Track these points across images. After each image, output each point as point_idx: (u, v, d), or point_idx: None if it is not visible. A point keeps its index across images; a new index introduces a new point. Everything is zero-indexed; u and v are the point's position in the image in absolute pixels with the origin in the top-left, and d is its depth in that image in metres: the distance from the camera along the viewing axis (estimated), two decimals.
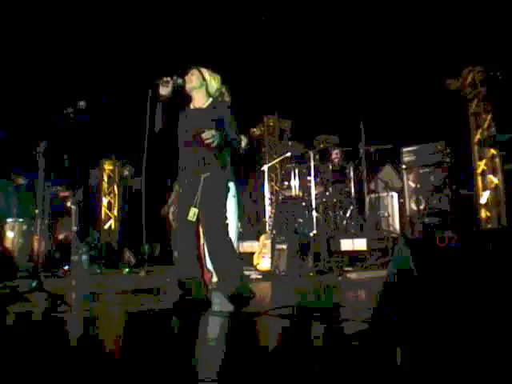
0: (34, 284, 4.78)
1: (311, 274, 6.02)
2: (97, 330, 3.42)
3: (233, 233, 5.04)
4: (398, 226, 7.37)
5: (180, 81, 3.89)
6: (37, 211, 6.15)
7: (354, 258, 6.49)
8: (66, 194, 7.58)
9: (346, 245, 6.59)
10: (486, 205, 7.19)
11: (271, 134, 10.18)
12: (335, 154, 7.86)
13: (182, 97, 4.00)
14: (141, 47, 8.07)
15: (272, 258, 6.36)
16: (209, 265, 4.72)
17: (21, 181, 7.70)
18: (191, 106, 3.97)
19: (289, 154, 7.57)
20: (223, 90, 3.97)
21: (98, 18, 7.53)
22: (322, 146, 7.44)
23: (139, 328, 3.38)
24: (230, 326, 3.33)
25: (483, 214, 7.18)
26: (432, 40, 7.55)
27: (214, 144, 3.57)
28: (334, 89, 7.94)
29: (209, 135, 3.56)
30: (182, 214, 3.78)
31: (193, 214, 3.64)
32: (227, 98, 4.01)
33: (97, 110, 6.14)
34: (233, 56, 8.08)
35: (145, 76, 8.10)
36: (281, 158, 7.63)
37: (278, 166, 8.22)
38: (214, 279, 4.89)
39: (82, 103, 4.72)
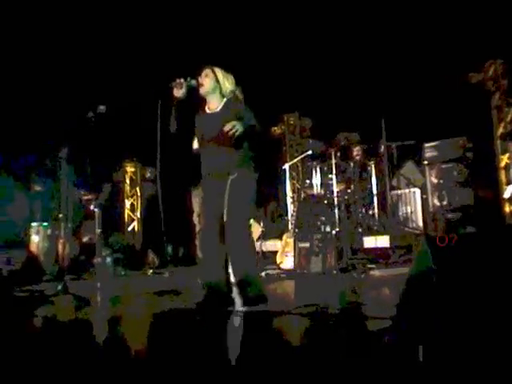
0: (59, 287, 4.87)
1: (334, 271, 5.99)
2: (123, 331, 3.46)
3: None
4: (420, 223, 7.31)
5: (193, 82, 3.89)
6: (60, 215, 6.26)
7: (377, 255, 6.44)
8: (90, 197, 7.64)
9: (369, 242, 6.56)
10: (509, 199, 7.09)
11: (292, 133, 10.13)
12: (356, 151, 7.83)
13: (196, 97, 4.02)
14: (158, 46, 8.12)
15: (295, 256, 6.36)
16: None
17: (38, 188, 7.80)
18: (206, 109, 3.97)
19: (310, 153, 7.56)
20: (237, 91, 3.95)
21: (115, 23, 7.60)
22: (342, 143, 7.40)
23: (166, 329, 3.41)
24: (255, 324, 3.35)
25: (507, 208, 7.08)
26: (453, 34, 7.47)
27: (240, 130, 3.53)
28: (354, 86, 7.89)
29: (230, 125, 3.54)
30: (208, 218, 3.82)
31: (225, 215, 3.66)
32: (240, 97, 3.97)
33: (116, 112, 6.21)
34: (252, 55, 8.10)
35: (164, 76, 8.23)
36: (302, 156, 7.61)
37: (299, 164, 8.21)
38: (233, 279, 5.04)
39: (102, 107, 4.78)
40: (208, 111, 3.96)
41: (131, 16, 7.64)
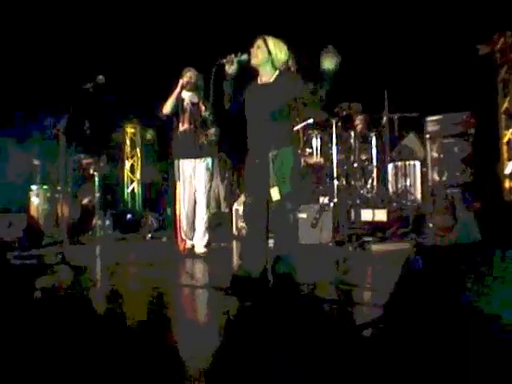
0: (58, 257, 4.91)
1: (330, 244, 6.04)
2: (117, 310, 3.50)
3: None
4: (419, 196, 7.31)
5: (245, 57, 3.82)
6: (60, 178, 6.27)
7: (374, 228, 6.47)
8: (90, 161, 7.64)
9: (366, 215, 6.56)
10: (510, 175, 7.06)
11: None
12: (359, 120, 7.74)
13: (249, 70, 3.95)
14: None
15: None
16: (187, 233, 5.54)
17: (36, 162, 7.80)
18: (258, 81, 3.90)
19: (311, 121, 7.48)
20: (290, 61, 3.84)
21: None
22: (344, 113, 7.32)
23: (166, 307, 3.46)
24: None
25: (507, 184, 7.06)
26: (461, 3, 7.31)
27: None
28: (357, 56, 7.76)
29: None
30: (253, 192, 3.82)
31: (276, 193, 3.64)
32: (293, 68, 3.86)
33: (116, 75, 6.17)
34: (258, 19, 7.97)
35: (166, 37, 8.15)
36: (303, 124, 7.54)
37: (299, 132, 8.15)
38: (188, 246, 5.63)
39: (100, 77, 4.74)
40: (259, 83, 3.89)
41: None
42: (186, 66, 5.66)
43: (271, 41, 3.79)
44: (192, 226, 5.60)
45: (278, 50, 3.78)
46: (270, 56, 3.76)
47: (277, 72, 3.79)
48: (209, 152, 5.61)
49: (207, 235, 5.57)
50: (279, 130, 3.69)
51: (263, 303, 3.38)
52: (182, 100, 5.61)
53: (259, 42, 3.80)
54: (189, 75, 5.56)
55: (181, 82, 5.47)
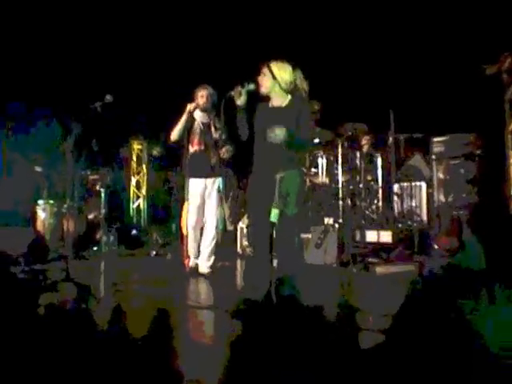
0: (62, 273, 4.91)
1: (334, 265, 6.03)
2: (121, 328, 3.50)
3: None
4: (425, 217, 7.30)
5: (252, 86, 3.90)
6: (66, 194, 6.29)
7: (379, 249, 6.45)
8: (96, 177, 7.68)
9: (371, 236, 6.55)
10: None
11: None
12: (365, 141, 7.78)
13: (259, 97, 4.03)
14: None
15: None
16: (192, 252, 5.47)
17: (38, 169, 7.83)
18: (269, 104, 3.95)
19: (317, 141, 7.52)
20: (297, 80, 3.88)
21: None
22: (350, 133, 7.34)
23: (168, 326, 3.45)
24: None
25: None
26: (467, 24, 7.35)
27: (276, 141, 3.65)
28: (363, 76, 7.82)
29: (271, 132, 3.67)
30: (258, 214, 3.85)
31: (274, 214, 3.66)
32: (302, 90, 3.90)
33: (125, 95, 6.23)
34: (264, 37, 8.04)
35: (174, 54, 8.23)
36: None
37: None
38: (192, 264, 5.59)
39: (108, 97, 4.77)
40: (270, 106, 3.94)
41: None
42: (200, 84, 5.62)
43: (275, 66, 3.84)
44: (198, 245, 5.60)
45: (282, 73, 3.82)
46: (275, 81, 3.81)
47: (289, 97, 3.85)
48: (220, 172, 5.62)
49: (213, 257, 5.56)
50: (287, 153, 3.72)
51: (266, 325, 3.37)
52: (193, 120, 5.60)
53: (264, 69, 3.86)
54: (201, 94, 5.53)
55: (188, 107, 5.47)
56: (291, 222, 3.70)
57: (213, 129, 5.56)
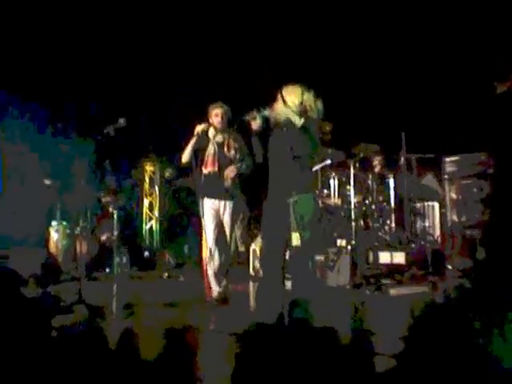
0: (75, 295, 4.93)
1: (347, 287, 5.99)
2: (133, 352, 3.49)
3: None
4: (438, 237, 7.25)
5: (267, 112, 3.96)
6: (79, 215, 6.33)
7: (393, 270, 6.40)
8: (109, 199, 7.72)
9: (384, 257, 6.52)
10: None
11: None
12: (377, 161, 7.79)
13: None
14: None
15: None
16: (212, 280, 5.19)
17: (47, 182, 7.87)
18: (284, 128, 3.98)
19: (329, 162, 7.51)
20: (307, 102, 3.93)
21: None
22: (362, 154, 7.34)
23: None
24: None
25: None
26: (478, 42, 7.37)
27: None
28: (375, 96, 7.85)
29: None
30: (271, 237, 3.88)
31: (296, 238, 3.68)
32: (313, 110, 3.95)
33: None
34: (277, 55, 8.10)
35: (189, 76, 8.31)
36: (321, 165, 7.56)
37: (318, 172, 8.17)
38: (215, 294, 5.24)
39: (122, 121, 4.81)
40: (285, 130, 3.98)
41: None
42: (213, 103, 5.42)
43: (285, 90, 3.94)
44: (219, 273, 5.28)
45: (291, 95, 3.90)
46: (286, 106, 3.86)
47: (302, 120, 3.88)
48: (234, 194, 5.37)
49: (225, 281, 5.32)
50: (301, 176, 3.76)
51: (278, 348, 3.35)
52: (207, 140, 5.40)
53: (278, 96, 3.95)
54: (215, 113, 5.34)
55: (197, 129, 5.25)
56: (305, 246, 3.72)
57: (226, 148, 5.35)
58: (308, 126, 3.86)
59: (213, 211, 5.34)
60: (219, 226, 5.33)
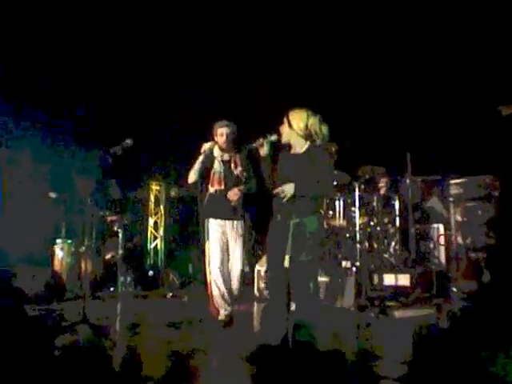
0: (79, 314, 4.92)
1: (352, 308, 5.97)
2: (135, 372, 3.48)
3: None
4: (443, 260, 7.23)
5: (274, 137, 4.02)
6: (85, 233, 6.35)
7: (397, 293, 6.38)
8: (114, 218, 7.75)
9: (389, 279, 6.51)
10: None
11: None
12: (382, 183, 7.80)
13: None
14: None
15: None
16: (220, 302, 5.01)
17: (52, 195, 7.89)
18: (291, 150, 4.06)
19: (334, 183, 7.54)
20: (313, 126, 3.94)
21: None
22: (367, 176, 7.37)
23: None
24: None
25: None
26: (483, 65, 7.42)
27: (288, 196, 3.76)
28: (380, 119, 7.90)
29: (279, 191, 3.77)
30: (275, 259, 3.89)
31: (286, 260, 3.72)
32: (318, 135, 3.96)
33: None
34: (280, 76, 8.17)
35: (192, 95, 8.38)
36: None
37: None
38: (221, 317, 5.05)
39: (128, 141, 4.85)
40: (291, 152, 4.05)
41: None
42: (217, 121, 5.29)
43: (291, 114, 3.98)
44: (227, 293, 5.07)
45: (297, 120, 3.95)
46: (291, 129, 3.91)
47: (307, 143, 3.94)
48: (242, 214, 5.22)
49: (231, 304, 5.14)
50: (306, 199, 3.77)
51: (283, 372, 3.35)
52: (213, 158, 5.24)
53: (284, 119, 4.00)
54: (221, 132, 5.21)
55: (203, 148, 5.14)
56: (307, 267, 3.74)
57: (233, 166, 5.21)
58: (312, 151, 3.90)
59: (219, 233, 5.14)
60: (226, 247, 5.14)
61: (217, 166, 5.24)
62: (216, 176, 5.20)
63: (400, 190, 7.69)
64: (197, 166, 5.17)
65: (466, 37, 7.37)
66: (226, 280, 5.07)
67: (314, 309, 3.79)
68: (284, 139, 4.00)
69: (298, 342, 3.68)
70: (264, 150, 3.97)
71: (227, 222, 5.16)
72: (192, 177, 5.21)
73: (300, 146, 3.96)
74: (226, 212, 5.13)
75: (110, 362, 3.71)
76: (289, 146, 4.03)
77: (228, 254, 5.16)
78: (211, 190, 5.21)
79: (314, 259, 3.79)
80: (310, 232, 3.75)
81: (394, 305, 6.08)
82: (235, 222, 5.17)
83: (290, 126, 3.93)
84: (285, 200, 3.76)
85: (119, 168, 6.64)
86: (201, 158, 5.16)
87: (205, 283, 5.25)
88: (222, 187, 5.16)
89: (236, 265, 5.16)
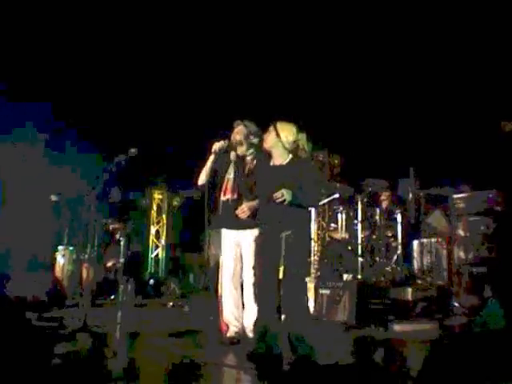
0: (79, 321, 4.92)
1: (354, 322, 5.93)
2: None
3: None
4: (445, 274, 7.19)
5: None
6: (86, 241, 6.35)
7: (399, 306, 6.35)
8: (116, 226, 7.76)
9: (391, 293, 6.48)
10: None
11: (320, 169, 10.05)
12: (385, 196, 7.80)
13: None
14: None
15: (315, 302, 6.32)
16: (230, 317, 4.74)
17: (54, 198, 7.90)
18: (271, 162, 4.12)
19: (337, 196, 7.56)
20: (300, 141, 4.03)
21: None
22: (370, 189, 7.39)
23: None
24: None
25: None
26: (486, 81, 7.44)
27: (287, 200, 3.73)
28: (383, 132, 7.92)
29: (279, 194, 3.74)
30: (266, 270, 3.91)
31: (281, 272, 3.76)
32: (304, 151, 4.05)
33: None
34: (283, 89, 8.20)
35: (197, 105, 8.42)
36: (329, 199, 7.60)
37: (325, 206, 8.21)
38: (231, 334, 4.70)
39: (133, 150, 4.86)
40: (272, 164, 4.12)
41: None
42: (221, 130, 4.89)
43: (280, 125, 4.04)
44: (238, 307, 4.70)
45: (286, 132, 4.02)
46: (279, 139, 3.97)
47: (290, 156, 4.02)
48: (255, 223, 4.44)
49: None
50: (292, 211, 3.80)
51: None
52: (227, 161, 4.80)
53: (270, 127, 4.08)
54: (236, 131, 4.79)
55: (213, 147, 4.65)
56: (297, 280, 3.78)
57: (247, 173, 4.70)
58: (296, 163, 3.98)
59: (233, 244, 4.72)
60: (239, 259, 4.69)
61: (230, 172, 4.80)
62: (229, 183, 4.74)
63: (403, 203, 7.68)
64: (208, 167, 4.72)
65: (472, 52, 7.40)
66: (237, 296, 4.69)
67: (304, 320, 3.81)
68: (267, 146, 4.07)
69: (296, 355, 3.70)
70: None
71: (241, 232, 4.67)
72: (202, 179, 4.77)
73: (282, 158, 4.03)
74: (240, 222, 4.60)
75: (109, 370, 3.69)
76: (268, 155, 4.11)
77: (242, 266, 4.69)
78: (223, 197, 4.76)
79: (303, 271, 3.89)
80: (298, 245, 3.81)
81: (394, 319, 6.03)
82: (250, 230, 4.56)
83: (277, 135, 3.98)
84: (278, 201, 3.74)
85: (123, 176, 6.68)
86: (211, 158, 4.70)
87: (216, 296, 4.92)
88: (235, 196, 4.68)
89: (249, 277, 4.57)
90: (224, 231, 4.80)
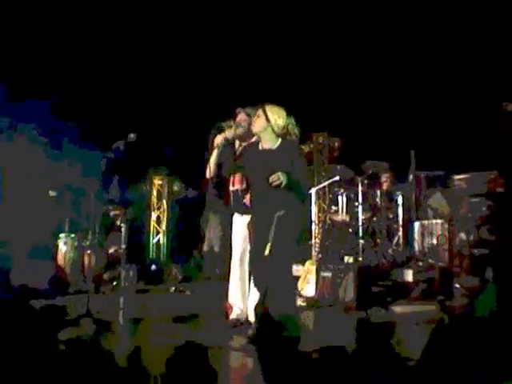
0: (82, 308, 4.95)
1: (354, 304, 5.96)
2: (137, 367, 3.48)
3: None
4: (446, 256, 7.20)
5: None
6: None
7: (399, 288, 6.37)
8: (117, 212, 7.75)
9: (392, 275, 6.50)
10: None
11: (320, 152, 10.01)
12: (385, 178, 7.78)
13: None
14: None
15: (317, 284, 6.34)
16: (234, 299, 4.76)
17: (52, 193, 7.91)
18: (260, 146, 4.10)
19: (337, 178, 7.53)
20: (289, 126, 4.04)
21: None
22: (371, 171, 7.37)
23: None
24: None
25: None
26: (488, 61, 7.40)
27: (284, 183, 3.74)
28: (384, 113, 7.88)
29: (275, 177, 3.74)
30: (257, 251, 3.94)
31: (268, 249, 3.75)
32: (294, 135, 4.07)
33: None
34: (282, 71, 8.17)
35: (196, 90, 8.39)
36: (329, 181, 7.59)
37: (326, 189, 8.20)
38: (233, 316, 4.74)
39: (132, 136, 4.85)
40: (261, 148, 4.10)
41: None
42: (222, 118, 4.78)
43: (270, 109, 4.03)
44: (244, 290, 4.72)
45: (276, 116, 4.00)
46: (268, 123, 3.96)
47: (279, 140, 4.01)
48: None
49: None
50: (279, 196, 3.85)
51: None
52: (233, 151, 4.76)
53: (259, 111, 4.05)
54: (239, 119, 4.71)
55: (216, 142, 4.64)
56: (282, 257, 3.80)
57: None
58: (286, 147, 3.99)
59: (243, 226, 4.66)
60: (248, 241, 4.54)
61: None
62: (238, 173, 4.65)
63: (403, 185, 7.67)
64: (213, 161, 4.73)
65: (470, 34, 7.36)
66: (243, 278, 4.72)
67: (287, 300, 3.87)
68: (256, 130, 4.07)
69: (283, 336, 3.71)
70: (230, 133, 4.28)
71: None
72: (210, 171, 4.78)
73: (272, 142, 4.02)
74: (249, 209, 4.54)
75: (112, 356, 3.71)
76: (257, 139, 4.14)
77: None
78: (232, 187, 4.76)
79: (293, 250, 3.97)
80: (291, 223, 3.85)
81: (395, 300, 6.05)
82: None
83: (267, 119, 3.97)
84: (275, 184, 3.75)
85: (122, 163, 6.67)
86: (215, 152, 4.70)
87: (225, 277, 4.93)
88: (244, 186, 4.63)
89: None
90: (236, 217, 4.84)
